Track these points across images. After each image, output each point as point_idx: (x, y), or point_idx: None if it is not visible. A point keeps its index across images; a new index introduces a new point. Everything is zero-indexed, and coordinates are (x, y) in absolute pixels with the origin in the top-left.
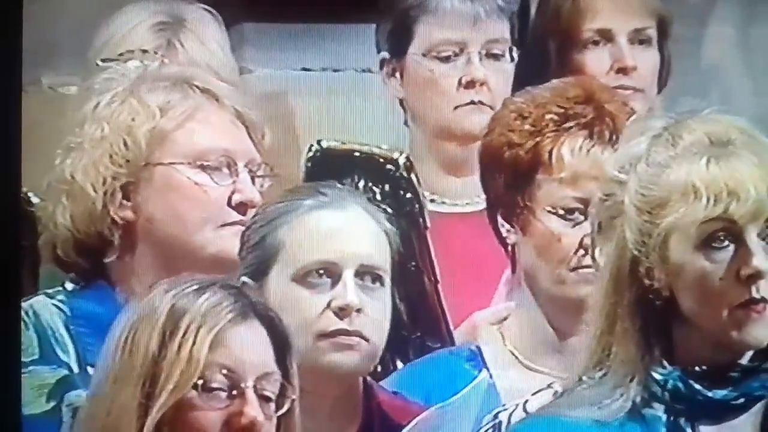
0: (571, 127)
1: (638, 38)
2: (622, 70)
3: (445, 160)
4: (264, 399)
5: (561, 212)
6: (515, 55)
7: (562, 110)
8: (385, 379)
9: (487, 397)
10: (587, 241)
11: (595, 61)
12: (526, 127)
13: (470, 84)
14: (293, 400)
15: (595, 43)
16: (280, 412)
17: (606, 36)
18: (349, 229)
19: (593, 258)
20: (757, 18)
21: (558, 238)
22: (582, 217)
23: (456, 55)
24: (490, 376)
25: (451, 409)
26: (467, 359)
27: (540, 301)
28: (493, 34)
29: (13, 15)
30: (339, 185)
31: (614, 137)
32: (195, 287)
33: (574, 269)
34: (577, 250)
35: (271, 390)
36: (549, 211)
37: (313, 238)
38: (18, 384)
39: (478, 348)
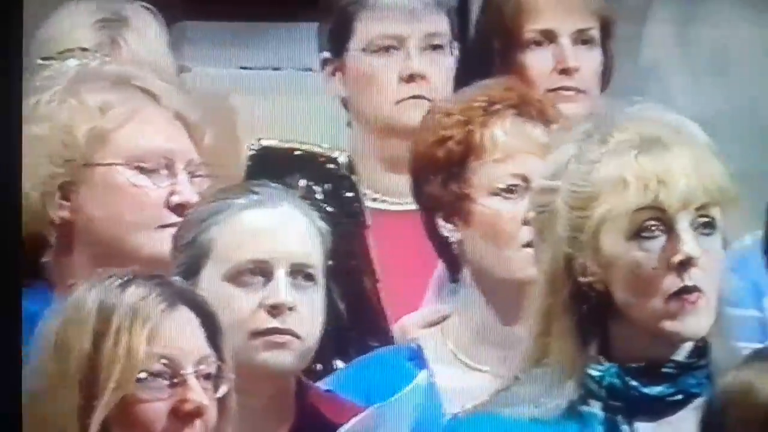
0: (498, 109)
1: (581, 39)
2: (565, 71)
3: (388, 157)
4: (205, 382)
5: (502, 192)
6: (456, 49)
7: (487, 97)
8: (327, 378)
9: (428, 396)
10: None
11: (538, 62)
12: (455, 118)
13: (410, 78)
14: (231, 380)
15: (538, 43)
16: (221, 393)
17: (549, 36)
18: (280, 228)
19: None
20: (695, 16)
21: (503, 217)
22: (523, 192)
23: (395, 48)
24: (431, 375)
25: (390, 409)
26: (408, 357)
27: (487, 292)
28: (432, 28)
29: (13, 14)
30: (272, 184)
31: (543, 116)
32: (118, 282)
33: (523, 246)
34: (524, 224)
35: (210, 373)
36: (490, 194)
37: (245, 237)
38: (18, 384)
39: (419, 346)
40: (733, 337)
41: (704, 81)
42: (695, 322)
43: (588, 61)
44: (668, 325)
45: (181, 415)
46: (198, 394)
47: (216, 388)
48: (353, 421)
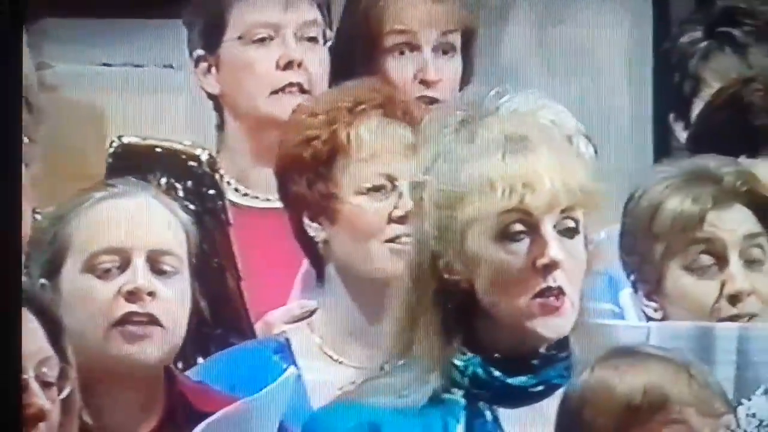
0: (364, 109)
1: (443, 48)
2: (425, 82)
3: (261, 151)
4: (46, 385)
5: (368, 191)
6: (329, 41)
7: (352, 97)
8: (192, 369)
9: (295, 390)
10: (396, 213)
11: (399, 70)
12: (320, 118)
13: (288, 65)
14: (74, 380)
15: (401, 52)
16: (63, 395)
17: (411, 45)
18: (138, 216)
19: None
20: (555, 18)
21: (368, 215)
22: (389, 191)
23: (271, 38)
24: (299, 369)
25: (259, 403)
26: (275, 351)
27: (353, 289)
28: (307, 17)
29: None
30: (130, 178)
31: (407, 116)
32: None
33: (387, 241)
34: (389, 222)
35: (52, 375)
36: (356, 193)
37: (101, 227)
38: (18, 384)
39: (287, 340)
40: (593, 332)
41: (563, 81)
42: (558, 324)
43: (448, 71)
44: (531, 324)
45: (23, 420)
46: (39, 397)
47: (60, 390)
48: (222, 411)
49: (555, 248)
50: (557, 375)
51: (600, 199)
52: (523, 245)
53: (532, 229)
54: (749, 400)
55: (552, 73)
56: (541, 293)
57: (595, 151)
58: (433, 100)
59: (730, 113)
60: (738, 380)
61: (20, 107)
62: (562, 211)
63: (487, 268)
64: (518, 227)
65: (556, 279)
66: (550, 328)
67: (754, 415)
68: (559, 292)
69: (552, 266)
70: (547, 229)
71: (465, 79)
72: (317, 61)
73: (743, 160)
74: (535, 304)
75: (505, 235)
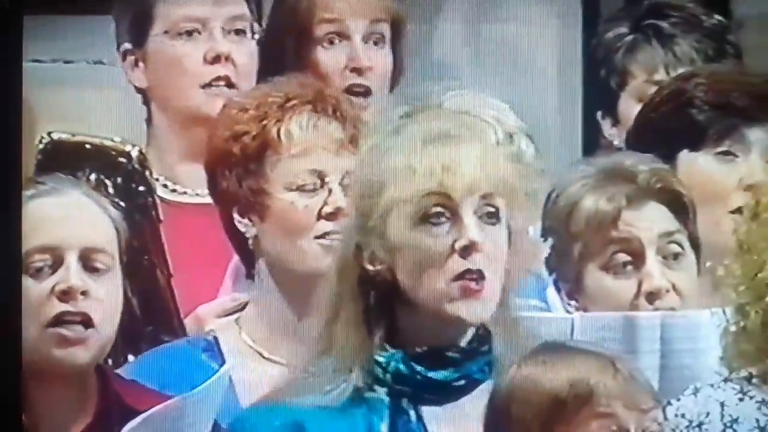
0: (295, 105)
1: (373, 38)
2: (357, 70)
3: (190, 147)
4: None
5: (298, 187)
6: (257, 34)
7: (282, 93)
8: (123, 367)
9: (226, 388)
10: (326, 209)
11: (331, 59)
12: (250, 113)
13: (216, 59)
14: None
15: (331, 41)
16: None
17: (341, 34)
18: (69, 214)
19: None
20: (485, 14)
21: (298, 211)
22: (319, 188)
23: (198, 32)
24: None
25: (191, 401)
26: (204, 349)
27: (282, 285)
28: (235, 11)
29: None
30: (60, 175)
31: (338, 113)
32: None
33: (317, 237)
34: (318, 218)
35: None
36: (286, 189)
37: (33, 226)
38: (17, 381)
39: (215, 338)
40: (516, 327)
41: (493, 77)
42: (477, 308)
43: (379, 61)
44: (452, 308)
45: None
46: None
47: None
48: (156, 408)
49: (474, 230)
50: (478, 370)
51: (521, 193)
52: (443, 228)
53: (452, 212)
54: (678, 400)
55: (482, 69)
56: (461, 275)
57: (536, 150)
58: (365, 89)
59: (671, 109)
60: (662, 368)
61: (20, 101)
62: (482, 197)
63: (409, 252)
64: (438, 210)
65: (476, 262)
66: (470, 312)
67: (683, 416)
68: (479, 275)
69: (471, 248)
70: (467, 211)
71: (396, 72)
72: (245, 55)
73: (685, 155)
74: (456, 286)
75: (425, 218)
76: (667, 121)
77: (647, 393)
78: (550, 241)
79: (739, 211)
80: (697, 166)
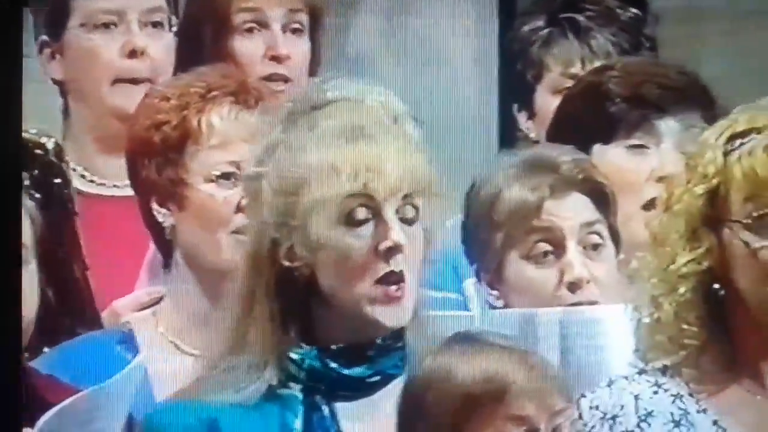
0: (216, 96)
1: (291, 26)
2: (275, 58)
3: (106, 139)
4: None
5: (217, 178)
6: (175, 27)
7: (204, 83)
8: (38, 359)
9: (141, 380)
10: (244, 202)
11: (249, 48)
12: (172, 103)
13: (132, 53)
14: None
15: (249, 30)
16: None
17: (260, 23)
18: None
19: None
20: (402, 6)
21: (216, 203)
22: (239, 180)
23: (114, 25)
24: (144, 359)
25: (104, 393)
26: (119, 341)
27: (199, 277)
28: (151, 3)
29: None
30: None
31: (259, 104)
32: None
33: (234, 230)
34: (237, 211)
35: None
36: (205, 180)
37: None
38: (18, 381)
39: (131, 330)
40: (429, 321)
41: (411, 71)
42: (397, 313)
43: (297, 50)
44: (371, 312)
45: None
46: None
47: None
48: (68, 401)
49: (397, 232)
50: (393, 365)
51: (437, 188)
52: (366, 230)
53: (375, 213)
54: (593, 392)
55: (400, 63)
56: (384, 278)
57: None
58: (284, 78)
59: (587, 102)
60: (561, 365)
61: (20, 96)
62: (404, 197)
63: (330, 253)
64: (362, 212)
65: (399, 263)
66: (390, 316)
67: (597, 408)
68: (400, 278)
69: (394, 250)
70: (389, 213)
71: (314, 64)
72: (162, 48)
73: (598, 148)
74: (377, 290)
75: (348, 220)
76: (583, 115)
77: (559, 391)
78: (468, 232)
79: (651, 204)
80: (609, 159)
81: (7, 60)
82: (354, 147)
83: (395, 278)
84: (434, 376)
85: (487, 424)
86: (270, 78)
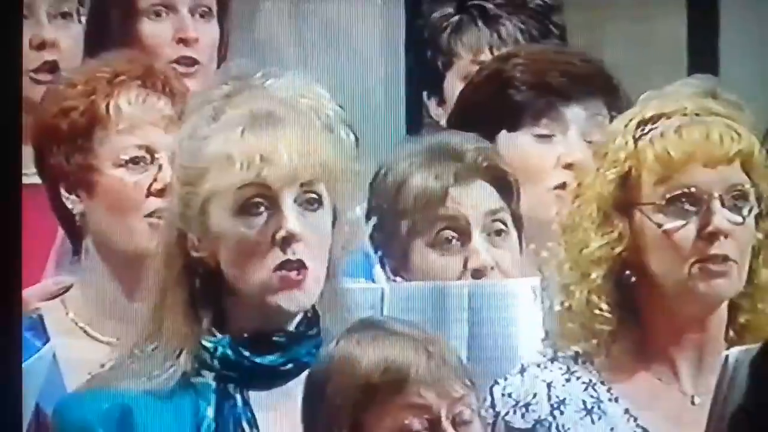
0: (123, 80)
1: (199, 10)
2: (184, 41)
3: None
4: None
5: (126, 163)
6: (83, 16)
7: (111, 68)
8: None
9: (50, 368)
10: (155, 186)
11: (157, 32)
12: (79, 89)
13: (41, 45)
14: None
15: (157, 14)
16: None
17: (167, 6)
18: None
19: None
20: None
21: (127, 188)
22: (149, 164)
23: (25, 17)
24: (53, 347)
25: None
26: (28, 328)
27: (110, 264)
28: None
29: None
30: None
31: (167, 89)
32: None
33: (146, 215)
34: (147, 195)
35: None
36: (115, 165)
37: None
38: (19, 384)
39: (40, 317)
40: (343, 306)
41: (318, 57)
42: (300, 298)
43: (206, 34)
44: (273, 299)
45: None
46: None
47: None
48: None
49: (293, 221)
50: (306, 353)
51: (344, 175)
52: (263, 219)
53: (272, 202)
54: (505, 380)
55: (307, 49)
56: (281, 266)
57: (356, 139)
58: (193, 61)
59: (491, 89)
60: (471, 337)
61: (20, 105)
62: (302, 185)
63: (229, 243)
64: (257, 201)
65: (296, 252)
66: (292, 301)
67: (510, 395)
68: (300, 265)
69: (290, 239)
70: (286, 202)
71: (222, 48)
72: (71, 39)
73: (504, 135)
74: (276, 277)
75: (244, 209)
76: (487, 102)
77: (460, 378)
78: (374, 219)
79: (562, 186)
80: (515, 147)
81: (6, 59)
82: (250, 136)
83: (293, 266)
84: (334, 365)
85: (386, 413)
86: (178, 61)
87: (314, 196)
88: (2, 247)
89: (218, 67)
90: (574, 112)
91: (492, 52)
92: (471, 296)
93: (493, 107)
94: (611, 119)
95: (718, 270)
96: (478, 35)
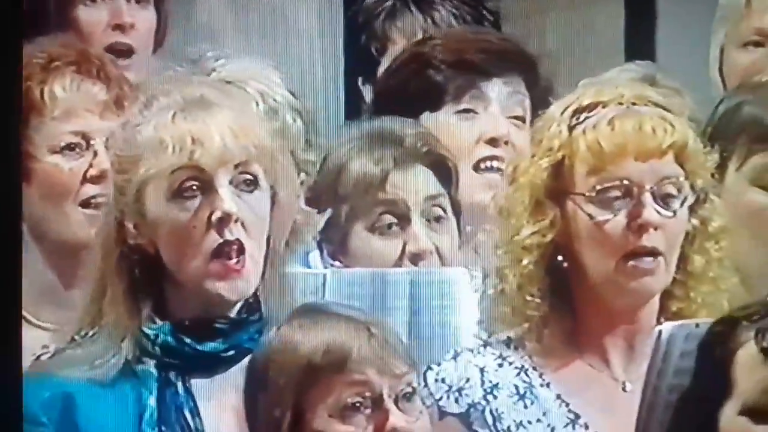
0: (58, 66)
1: None
2: (119, 27)
3: None
4: None
5: (62, 149)
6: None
7: (46, 54)
8: None
9: None
10: (91, 172)
11: (93, 17)
12: None
13: None
14: None
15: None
16: None
17: None
18: None
19: None
20: None
21: (63, 175)
22: (84, 150)
23: None
24: None
25: None
26: None
27: (47, 252)
28: None
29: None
30: None
31: (102, 74)
32: None
33: (82, 203)
34: (83, 182)
35: None
36: (50, 151)
37: None
38: (19, 384)
39: None
40: (286, 292)
41: (258, 42)
42: (239, 285)
43: (142, 20)
44: (212, 285)
45: None
46: None
47: None
48: None
49: (228, 201)
50: (248, 339)
51: (282, 157)
52: (197, 202)
53: (206, 184)
54: (438, 365)
55: (246, 34)
56: (219, 250)
57: (304, 124)
58: (128, 48)
59: (410, 71)
60: (411, 325)
61: (20, 104)
62: (237, 166)
63: (164, 229)
64: (191, 184)
65: (233, 232)
66: (232, 290)
67: (443, 380)
68: (239, 246)
69: (226, 220)
70: (221, 183)
71: (159, 35)
72: None
73: (426, 117)
74: (216, 265)
75: (178, 193)
76: (408, 85)
77: (401, 358)
78: (328, 212)
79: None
80: (439, 126)
81: (5, 60)
82: (182, 119)
83: (231, 249)
84: (276, 349)
85: (328, 392)
86: (113, 47)
87: (250, 177)
88: (2, 247)
89: (154, 53)
90: (495, 88)
91: None
92: (412, 284)
93: (413, 89)
94: (531, 98)
95: (645, 268)
96: (411, 20)
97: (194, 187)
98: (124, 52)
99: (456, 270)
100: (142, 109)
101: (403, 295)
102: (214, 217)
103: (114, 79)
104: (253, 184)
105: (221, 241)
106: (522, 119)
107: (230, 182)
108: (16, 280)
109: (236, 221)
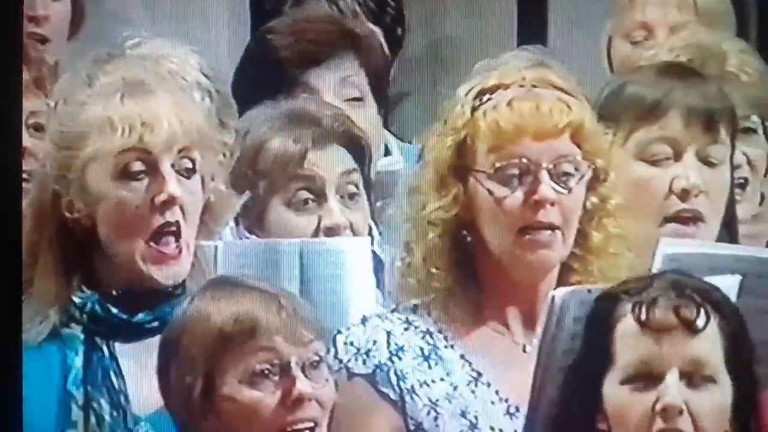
0: None
1: None
2: (34, 20)
3: None
4: None
5: None
6: None
7: None
8: None
9: None
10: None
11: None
12: None
13: None
14: None
15: None
16: None
17: None
18: None
19: None
20: None
21: None
22: None
23: None
24: None
25: None
26: None
27: None
28: None
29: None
30: None
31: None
32: None
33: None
34: None
35: None
36: None
37: None
38: (19, 384)
39: None
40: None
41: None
42: (174, 271)
43: (56, 10)
44: (146, 268)
45: None
46: None
47: None
48: None
49: (173, 185)
50: (171, 311)
51: (214, 143)
52: (143, 183)
53: (151, 167)
54: (348, 329)
55: (157, 19)
56: (159, 231)
57: (212, 100)
58: (42, 38)
59: (251, 68)
60: (303, 294)
61: (20, 104)
62: (180, 151)
63: (107, 207)
64: (137, 166)
65: (174, 214)
66: (165, 276)
67: (351, 344)
68: (177, 229)
69: (170, 202)
70: (166, 166)
71: (75, 24)
72: None
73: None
74: (152, 249)
75: (124, 174)
76: (252, 80)
77: (309, 328)
78: (247, 194)
79: None
80: None
81: (6, 59)
82: (130, 102)
83: (169, 230)
84: (189, 320)
85: (239, 359)
86: (28, 38)
87: (189, 163)
88: (2, 247)
89: (69, 39)
90: (324, 76)
91: None
92: (302, 254)
93: (256, 84)
94: (368, 75)
95: (542, 240)
96: (317, 8)
97: (140, 169)
98: (39, 40)
99: (353, 239)
100: (84, 87)
101: (293, 264)
102: (158, 200)
103: (34, 60)
104: (191, 170)
105: (163, 222)
106: (359, 99)
107: (172, 166)
108: (16, 282)
109: (178, 204)
